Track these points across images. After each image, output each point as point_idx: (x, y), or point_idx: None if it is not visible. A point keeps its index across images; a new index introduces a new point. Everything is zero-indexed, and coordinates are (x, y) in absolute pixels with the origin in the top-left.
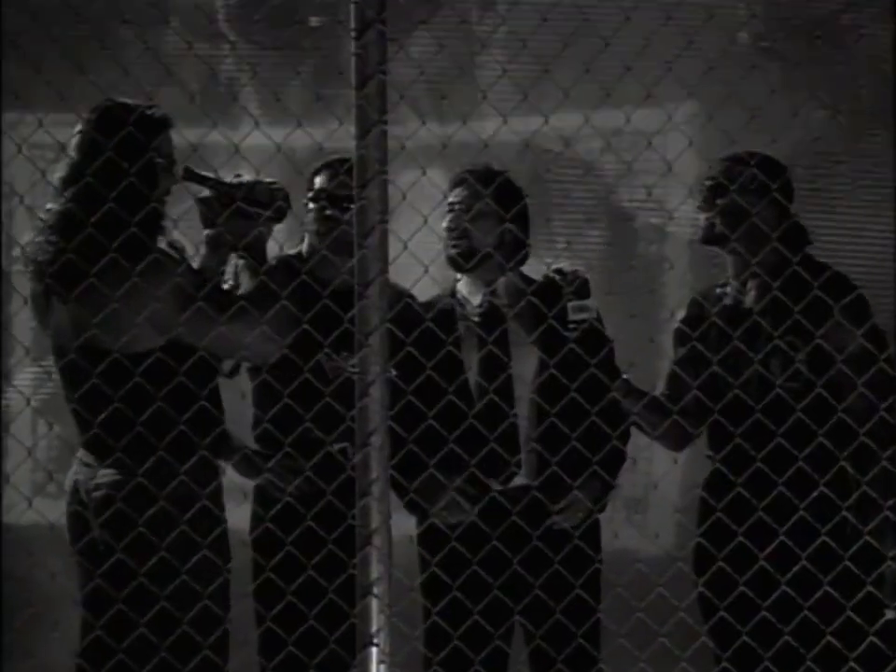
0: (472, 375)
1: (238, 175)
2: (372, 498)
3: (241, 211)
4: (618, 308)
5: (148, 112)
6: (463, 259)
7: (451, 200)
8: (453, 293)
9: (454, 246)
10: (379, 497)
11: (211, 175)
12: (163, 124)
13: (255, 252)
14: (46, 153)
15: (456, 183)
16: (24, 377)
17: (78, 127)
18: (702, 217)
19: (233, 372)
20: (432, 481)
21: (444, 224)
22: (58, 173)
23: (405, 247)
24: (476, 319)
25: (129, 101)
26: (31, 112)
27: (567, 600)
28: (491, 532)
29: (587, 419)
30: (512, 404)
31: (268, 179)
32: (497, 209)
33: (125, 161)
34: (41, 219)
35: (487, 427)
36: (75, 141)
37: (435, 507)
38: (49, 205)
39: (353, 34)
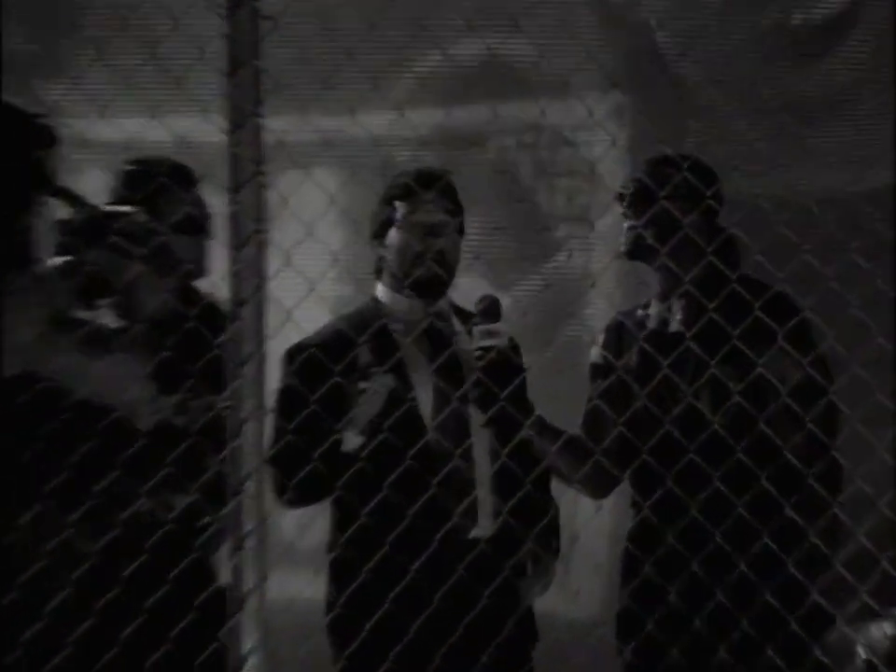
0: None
1: (111, 204)
2: (247, 553)
3: (113, 244)
4: (534, 333)
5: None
6: None
7: None
8: (378, 311)
9: None
10: (255, 551)
11: (84, 197)
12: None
13: (129, 294)
14: None
15: None
16: None
17: None
18: (625, 225)
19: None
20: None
21: None
22: None
23: (288, 261)
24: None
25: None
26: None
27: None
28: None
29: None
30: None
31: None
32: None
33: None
34: None
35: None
36: None
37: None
38: None
39: (223, 11)
